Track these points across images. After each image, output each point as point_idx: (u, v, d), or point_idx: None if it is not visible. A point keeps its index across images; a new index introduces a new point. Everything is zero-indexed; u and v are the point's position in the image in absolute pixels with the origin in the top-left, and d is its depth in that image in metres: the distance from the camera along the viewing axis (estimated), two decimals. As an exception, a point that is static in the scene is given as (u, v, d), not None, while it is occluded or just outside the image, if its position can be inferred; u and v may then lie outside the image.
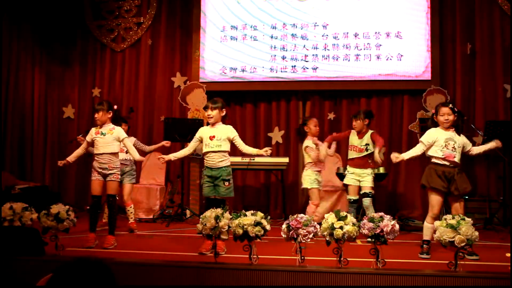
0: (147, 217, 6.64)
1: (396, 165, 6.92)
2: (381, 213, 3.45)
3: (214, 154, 4.52)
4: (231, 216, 3.54)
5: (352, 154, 5.31)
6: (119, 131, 4.94)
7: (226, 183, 4.52)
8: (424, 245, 4.27)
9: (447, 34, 6.89)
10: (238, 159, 6.39)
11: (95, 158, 4.81)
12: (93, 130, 4.88)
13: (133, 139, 5.78)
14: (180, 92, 7.28)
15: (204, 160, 4.59)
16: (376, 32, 6.93)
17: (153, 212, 6.69)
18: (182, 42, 7.61)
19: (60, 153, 7.86)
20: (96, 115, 4.82)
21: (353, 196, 5.23)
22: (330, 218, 3.38)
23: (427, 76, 6.77)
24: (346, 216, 3.38)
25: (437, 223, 3.36)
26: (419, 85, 6.77)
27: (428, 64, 6.77)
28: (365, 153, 5.23)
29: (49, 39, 7.95)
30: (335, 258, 3.32)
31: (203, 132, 4.63)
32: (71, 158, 4.85)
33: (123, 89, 7.75)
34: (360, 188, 5.22)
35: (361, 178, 5.20)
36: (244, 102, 7.41)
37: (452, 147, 4.32)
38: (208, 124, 4.74)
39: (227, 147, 4.59)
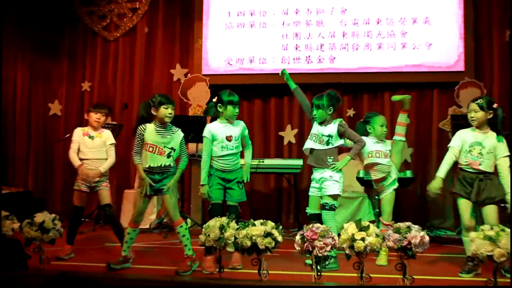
0: (142, 227, 6.60)
1: (425, 168, 6.88)
2: (409, 223, 3.42)
3: (232, 156, 4.51)
4: (237, 226, 3.52)
5: (308, 143, 4.60)
6: (109, 136, 4.98)
7: (241, 186, 4.54)
8: (468, 262, 4.19)
9: (482, 19, 6.82)
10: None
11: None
12: (79, 130, 4.93)
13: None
14: (181, 86, 7.28)
15: (215, 162, 4.53)
16: (401, 18, 6.88)
17: (150, 221, 6.68)
18: (182, 30, 7.60)
19: (45, 154, 7.90)
20: (99, 117, 4.93)
21: (310, 209, 4.62)
22: (350, 228, 3.35)
23: (460, 67, 6.71)
24: (368, 226, 3.34)
25: (472, 234, 3.31)
26: (451, 77, 6.71)
27: (461, 54, 6.71)
28: (324, 146, 4.51)
29: (33, 28, 7.97)
30: (356, 274, 3.29)
31: (215, 130, 4.50)
32: (78, 161, 4.85)
33: (117, 83, 7.76)
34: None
35: (320, 184, 4.52)
36: (252, 97, 7.38)
37: (478, 153, 4.18)
38: (211, 119, 4.67)
39: (241, 147, 4.62)
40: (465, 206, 4.23)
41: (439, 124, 6.78)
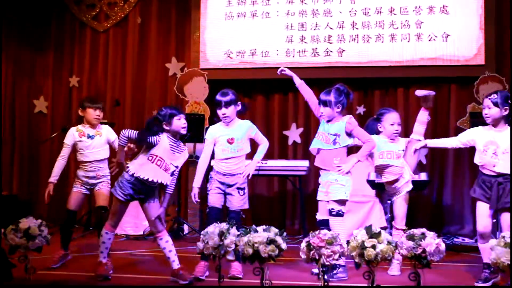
0: (136, 234, 6.67)
1: (442, 171, 6.90)
2: (423, 229, 3.44)
3: (234, 159, 4.54)
4: (238, 232, 3.55)
5: (315, 143, 4.60)
6: (109, 130, 4.94)
7: (241, 192, 4.55)
8: (485, 270, 4.17)
9: (505, 7, 6.82)
10: (246, 162, 6.38)
11: (80, 166, 4.83)
12: (74, 131, 4.82)
13: None
14: (177, 81, 7.30)
15: (216, 165, 4.58)
16: (416, 7, 6.90)
17: (143, 227, 6.71)
18: (178, 20, 7.63)
19: (31, 155, 7.93)
20: (99, 114, 4.84)
21: (319, 215, 4.66)
22: (360, 235, 3.38)
23: (480, 60, 6.72)
24: (379, 233, 3.37)
25: (493, 241, 3.34)
26: (470, 71, 6.73)
27: (481, 45, 6.72)
28: (331, 146, 4.47)
29: (16, 18, 7.99)
30: (366, 284, 3.31)
31: (216, 132, 4.57)
32: (55, 177, 4.81)
33: (107, 78, 7.79)
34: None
35: (326, 188, 4.50)
36: (254, 93, 7.41)
37: (493, 153, 4.14)
38: (213, 120, 4.72)
39: (248, 148, 4.63)
40: (482, 210, 4.21)
41: (457, 122, 6.78)
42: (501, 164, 4.11)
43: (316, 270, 3.95)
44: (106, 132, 4.91)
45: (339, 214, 4.42)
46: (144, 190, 4.24)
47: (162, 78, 7.65)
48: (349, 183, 4.46)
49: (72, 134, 4.80)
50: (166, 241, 4.26)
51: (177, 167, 4.30)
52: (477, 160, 4.24)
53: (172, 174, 4.27)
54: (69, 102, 7.86)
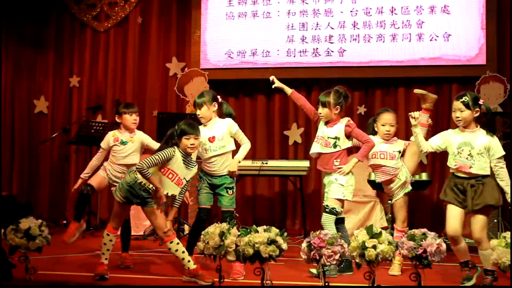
0: (136, 234, 6.67)
1: (443, 171, 6.88)
2: (424, 230, 3.45)
3: (218, 157, 4.56)
4: (239, 233, 3.56)
5: (315, 147, 4.63)
6: (142, 136, 5.00)
7: (230, 192, 4.57)
8: (464, 268, 4.15)
9: (506, 7, 6.82)
10: (247, 163, 6.39)
11: (111, 162, 4.94)
12: (111, 136, 4.95)
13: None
14: (177, 81, 7.31)
15: (203, 166, 4.63)
16: (417, 6, 6.90)
17: (144, 227, 6.73)
18: (179, 20, 7.64)
19: (31, 156, 7.93)
20: (135, 119, 4.94)
21: None
22: (361, 235, 3.39)
23: (481, 60, 6.72)
24: (380, 233, 3.38)
25: (494, 242, 3.35)
26: (471, 71, 6.73)
27: (483, 45, 6.72)
28: (332, 149, 4.52)
29: (16, 19, 8.00)
30: (367, 285, 3.32)
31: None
32: (87, 174, 4.93)
33: (107, 78, 7.80)
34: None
35: (326, 188, 4.57)
36: (255, 92, 7.41)
37: (468, 155, 4.06)
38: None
39: (232, 145, 4.64)
40: (453, 213, 4.14)
41: (459, 122, 6.79)
42: (476, 165, 4.05)
43: (313, 270, 4.01)
44: (139, 138, 4.98)
45: (332, 212, 4.43)
46: (142, 196, 4.22)
47: (163, 78, 7.66)
48: (350, 183, 4.51)
49: (108, 140, 4.95)
50: (177, 243, 4.23)
51: (188, 181, 4.34)
52: (451, 164, 4.15)
53: (182, 188, 4.31)
54: (70, 102, 7.88)
